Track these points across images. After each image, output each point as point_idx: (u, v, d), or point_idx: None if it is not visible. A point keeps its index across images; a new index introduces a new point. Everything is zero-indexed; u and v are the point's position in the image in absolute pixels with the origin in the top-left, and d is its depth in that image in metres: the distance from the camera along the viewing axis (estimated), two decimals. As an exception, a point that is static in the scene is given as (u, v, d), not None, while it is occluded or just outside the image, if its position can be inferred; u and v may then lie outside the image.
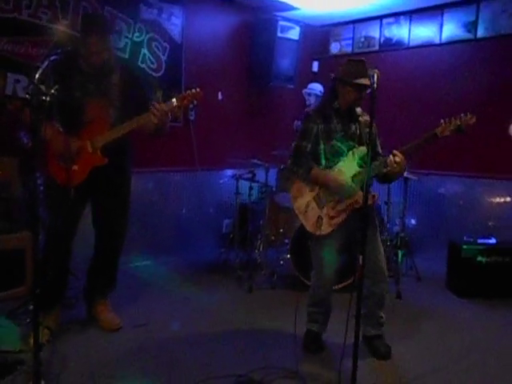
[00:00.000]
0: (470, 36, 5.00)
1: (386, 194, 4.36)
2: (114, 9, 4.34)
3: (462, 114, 2.61)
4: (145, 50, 4.62)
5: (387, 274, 2.91)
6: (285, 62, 5.42)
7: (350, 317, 2.28)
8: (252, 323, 3.37)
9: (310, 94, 5.06)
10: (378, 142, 2.96)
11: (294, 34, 5.42)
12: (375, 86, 2.22)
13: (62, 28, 3.97)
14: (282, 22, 5.31)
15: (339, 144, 2.81)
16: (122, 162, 3.07)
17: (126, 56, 4.44)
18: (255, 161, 4.39)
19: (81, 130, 2.85)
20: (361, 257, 2.23)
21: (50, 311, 3.00)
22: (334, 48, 6.19)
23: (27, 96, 2.13)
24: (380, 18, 5.69)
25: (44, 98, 2.12)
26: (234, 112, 5.52)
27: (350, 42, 6.01)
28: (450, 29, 5.13)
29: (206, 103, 4.11)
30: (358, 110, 2.89)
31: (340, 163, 2.81)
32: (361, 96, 2.78)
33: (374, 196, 2.70)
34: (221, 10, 5.28)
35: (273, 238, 4.41)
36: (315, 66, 6.31)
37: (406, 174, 4.04)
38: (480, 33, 4.93)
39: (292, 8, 5.40)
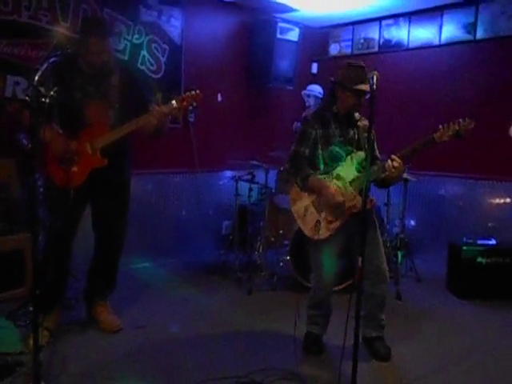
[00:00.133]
0: (469, 37, 5.00)
1: (386, 195, 4.35)
2: (114, 11, 4.34)
3: (461, 119, 2.58)
4: (144, 52, 4.63)
5: (388, 275, 2.90)
6: (284, 64, 5.42)
7: (350, 318, 2.27)
8: (252, 325, 3.37)
9: (309, 96, 5.05)
10: (376, 147, 2.95)
11: (294, 35, 5.41)
12: (374, 87, 2.21)
13: (61, 30, 3.98)
14: (281, 24, 5.31)
15: (337, 149, 2.81)
16: (122, 163, 3.07)
17: (126, 58, 4.45)
18: (255, 162, 4.39)
19: (80, 132, 2.86)
20: (360, 259, 2.21)
21: (50, 312, 2.99)
22: (334, 49, 6.20)
23: (27, 98, 2.14)
24: (379, 19, 5.69)
25: (43, 100, 2.13)
26: (234, 113, 5.52)
27: (350, 43, 6.01)
28: (450, 30, 5.14)
29: (205, 105, 4.10)
30: (357, 114, 2.88)
31: (338, 168, 2.80)
32: (360, 102, 2.76)
33: (371, 200, 2.69)
34: (220, 12, 5.29)
35: (272, 239, 4.40)
36: (314, 68, 6.31)
37: (405, 176, 4.03)
38: (479, 34, 4.93)
39: (291, 9, 5.42)
